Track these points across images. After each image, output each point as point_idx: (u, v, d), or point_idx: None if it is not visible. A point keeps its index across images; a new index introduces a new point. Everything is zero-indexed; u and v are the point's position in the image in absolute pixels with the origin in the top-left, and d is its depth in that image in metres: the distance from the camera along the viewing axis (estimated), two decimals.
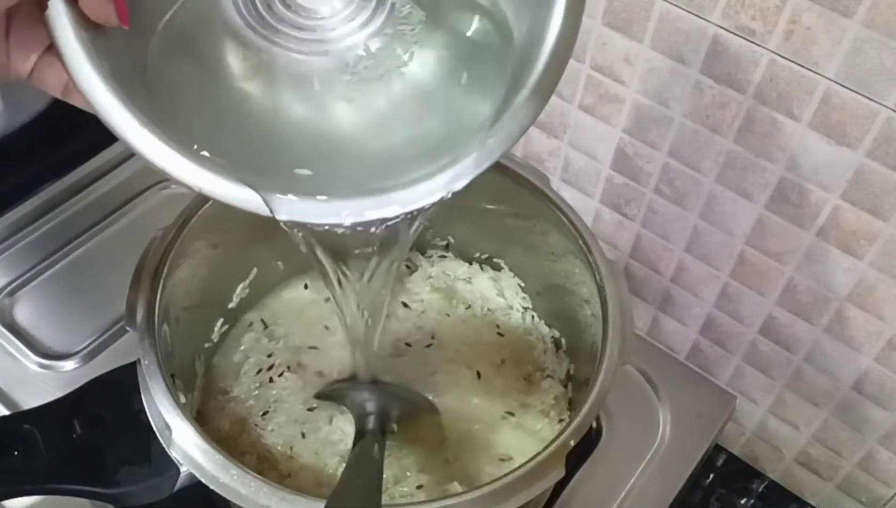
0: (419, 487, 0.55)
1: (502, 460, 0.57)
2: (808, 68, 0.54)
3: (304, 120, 0.40)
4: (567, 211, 0.57)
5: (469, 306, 0.65)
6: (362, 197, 0.36)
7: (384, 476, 0.49)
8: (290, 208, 0.35)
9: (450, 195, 0.37)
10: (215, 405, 0.59)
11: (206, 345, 0.61)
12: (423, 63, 0.41)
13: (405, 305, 0.65)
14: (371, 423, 0.51)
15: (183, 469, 0.47)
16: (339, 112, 0.41)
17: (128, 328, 0.51)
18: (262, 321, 0.63)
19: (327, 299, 0.64)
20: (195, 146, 0.35)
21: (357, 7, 0.42)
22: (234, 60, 0.41)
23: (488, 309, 0.65)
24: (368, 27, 0.41)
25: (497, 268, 0.67)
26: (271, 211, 0.35)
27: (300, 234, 0.40)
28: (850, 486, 0.73)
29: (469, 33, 0.42)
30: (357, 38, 0.41)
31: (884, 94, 0.52)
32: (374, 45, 0.41)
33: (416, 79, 0.41)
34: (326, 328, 0.63)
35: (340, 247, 0.44)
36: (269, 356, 0.61)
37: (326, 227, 0.36)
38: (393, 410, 0.53)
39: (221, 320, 0.62)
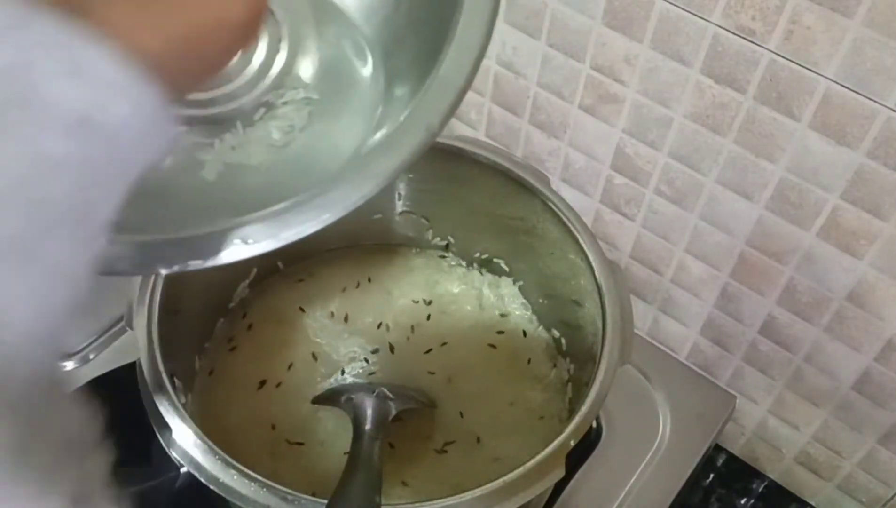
0: (404, 484, 0.55)
1: (495, 460, 0.57)
2: (808, 68, 0.54)
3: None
4: (567, 211, 0.57)
5: (469, 307, 0.65)
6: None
7: None
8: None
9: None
10: (215, 404, 0.59)
11: (206, 345, 0.61)
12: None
13: (415, 302, 0.65)
14: (369, 424, 0.51)
15: (183, 469, 0.47)
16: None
17: (128, 328, 0.51)
18: (262, 320, 0.63)
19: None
20: None
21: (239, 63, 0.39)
22: None
23: (488, 309, 0.65)
24: (259, 87, 0.39)
25: (497, 268, 0.67)
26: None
27: None
28: (850, 486, 0.73)
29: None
30: (246, 101, 0.39)
31: (884, 94, 0.52)
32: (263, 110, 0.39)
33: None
34: (326, 327, 0.63)
35: None
36: (269, 356, 0.61)
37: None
38: (390, 411, 0.53)
39: (221, 320, 0.62)
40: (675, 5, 0.57)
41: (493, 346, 0.63)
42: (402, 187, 0.64)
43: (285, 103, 0.40)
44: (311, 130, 0.40)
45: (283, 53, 0.40)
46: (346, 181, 0.34)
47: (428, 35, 0.37)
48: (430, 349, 0.62)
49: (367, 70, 0.41)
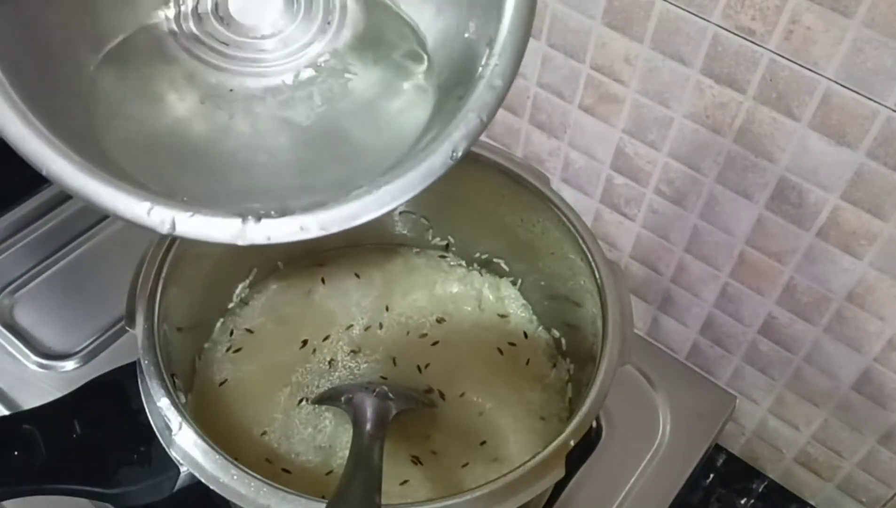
0: (404, 484, 0.55)
1: (494, 460, 0.57)
2: (808, 68, 0.54)
3: (235, 138, 0.40)
4: (567, 211, 0.57)
5: (469, 308, 0.65)
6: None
7: None
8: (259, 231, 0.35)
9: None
10: (215, 404, 0.59)
11: (206, 345, 0.61)
12: (355, 90, 0.42)
13: (415, 302, 0.65)
14: (369, 424, 0.51)
15: (183, 469, 0.47)
16: (270, 132, 0.41)
17: (128, 329, 0.51)
18: (262, 320, 0.63)
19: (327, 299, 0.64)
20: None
21: (293, 30, 0.41)
22: (170, 87, 0.40)
23: (488, 310, 0.65)
24: (304, 54, 0.41)
25: (497, 268, 0.67)
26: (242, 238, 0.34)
27: None
28: (850, 486, 0.73)
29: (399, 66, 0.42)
30: (293, 64, 0.41)
31: (884, 94, 0.52)
32: (308, 73, 0.41)
33: (346, 105, 0.41)
34: (326, 328, 0.63)
35: None
36: (268, 356, 0.61)
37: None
38: (390, 411, 0.53)
39: (221, 320, 0.62)
40: (675, 5, 0.57)
41: (492, 346, 0.63)
42: None
43: (333, 70, 0.42)
44: (349, 102, 0.42)
45: (340, 26, 0.42)
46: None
47: (467, 68, 0.39)
48: (431, 350, 0.62)
49: (419, 71, 0.42)
